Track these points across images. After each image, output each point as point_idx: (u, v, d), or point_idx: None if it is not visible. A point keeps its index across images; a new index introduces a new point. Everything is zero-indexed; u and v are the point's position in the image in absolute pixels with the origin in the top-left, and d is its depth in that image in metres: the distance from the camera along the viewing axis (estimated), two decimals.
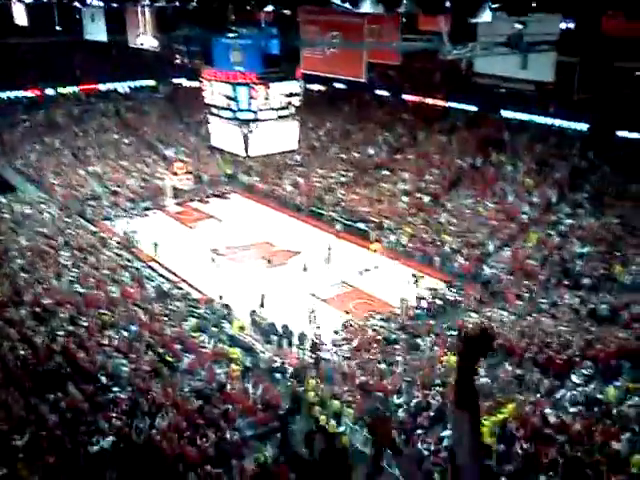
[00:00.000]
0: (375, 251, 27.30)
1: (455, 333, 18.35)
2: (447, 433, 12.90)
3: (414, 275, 24.22)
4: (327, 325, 20.46)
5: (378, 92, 40.10)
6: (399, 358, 17.23)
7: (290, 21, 17.31)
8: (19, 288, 18.58)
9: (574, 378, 14.47)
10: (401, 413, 14.16)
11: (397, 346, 18.33)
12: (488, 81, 19.82)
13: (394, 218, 29.76)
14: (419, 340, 18.51)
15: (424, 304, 21.77)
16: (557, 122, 30.57)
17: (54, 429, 11.57)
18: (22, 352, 14.19)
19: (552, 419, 12.56)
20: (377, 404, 14.65)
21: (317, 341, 19.06)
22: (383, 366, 16.76)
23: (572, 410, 12.92)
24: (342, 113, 42.51)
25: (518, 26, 13.28)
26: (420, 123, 37.87)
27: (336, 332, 20.07)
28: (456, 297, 22.12)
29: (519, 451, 11.80)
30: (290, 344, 19.38)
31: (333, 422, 14.06)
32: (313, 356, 18.10)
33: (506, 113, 32.92)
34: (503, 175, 30.62)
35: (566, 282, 21.52)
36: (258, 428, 13.87)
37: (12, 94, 41.06)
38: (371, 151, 37.47)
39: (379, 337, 19.00)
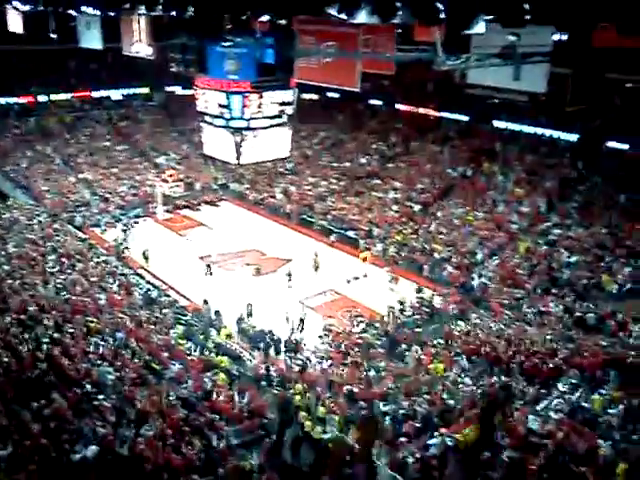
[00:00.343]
0: (365, 259, 27.29)
1: (442, 341, 18.37)
2: (433, 441, 12.86)
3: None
4: (314, 332, 20.55)
5: (371, 102, 40.31)
6: (385, 365, 17.20)
7: (285, 31, 17.36)
8: (5, 294, 18.36)
9: (560, 386, 14.48)
10: (387, 420, 14.09)
11: (383, 353, 18.29)
12: (481, 92, 19.95)
13: (384, 227, 29.78)
14: (406, 348, 18.46)
15: (412, 312, 21.74)
16: (548, 132, 30.83)
17: (37, 437, 11.39)
18: (5, 359, 13.98)
19: (538, 427, 12.53)
20: (362, 411, 14.59)
21: (303, 347, 19.03)
22: (372, 373, 16.72)
23: (557, 418, 12.90)
24: (335, 122, 42.65)
25: (511, 38, 13.36)
26: (413, 133, 38.08)
27: (321, 337, 20.12)
28: (444, 305, 22.09)
29: (505, 459, 11.74)
30: (277, 352, 19.30)
31: (320, 428, 13.97)
32: (299, 363, 18.07)
33: (498, 123, 33.16)
34: (494, 185, 30.75)
35: (554, 291, 21.57)
36: (244, 436, 13.74)
37: (4, 100, 40.82)
38: (363, 160, 37.57)
39: (365, 344, 18.94)
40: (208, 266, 26.43)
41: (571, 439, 11.61)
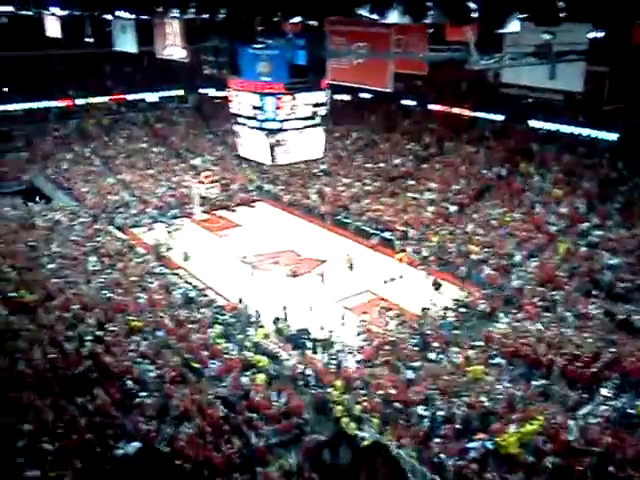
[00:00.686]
0: (401, 260, 27.25)
1: (481, 343, 18.23)
2: (473, 445, 12.83)
3: (436, 283, 24.16)
4: (351, 332, 20.62)
5: (404, 102, 40.16)
6: (421, 366, 17.17)
7: (317, 32, 17.47)
8: (51, 293, 18.94)
9: (603, 391, 14.24)
10: (426, 423, 14.10)
11: (418, 353, 18.25)
12: (515, 91, 19.74)
13: (420, 228, 29.67)
14: (443, 349, 18.37)
15: (449, 314, 21.64)
16: (586, 132, 30.27)
17: (83, 432, 11.76)
18: (53, 356, 14.44)
19: (581, 433, 12.38)
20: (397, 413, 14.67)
21: (339, 347, 19.23)
22: (408, 373, 16.74)
23: (601, 424, 12.71)
24: (368, 123, 42.60)
25: (546, 36, 13.22)
26: (447, 133, 37.79)
27: (358, 335, 20.24)
28: (481, 307, 21.89)
29: (548, 465, 11.66)
30: (314, 351, 19.44)
31: (354, 425, 14.12)
32: (335, 362, 18.25)
33: (534, 123, 32.72)
34: (531, 185, 30.34)
35: (595, 293, 21.18)
36: (282, 436, 13.90)
37: (44, 104, 41.87)
38: (397, 161, 37.46)
39: (400, 343, 18.91)
40: (254, 267, 26.74)
41: (617, 445, 11.45)
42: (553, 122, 31.74)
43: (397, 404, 14.97)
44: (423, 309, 21.73)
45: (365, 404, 14.98)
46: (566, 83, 14.38)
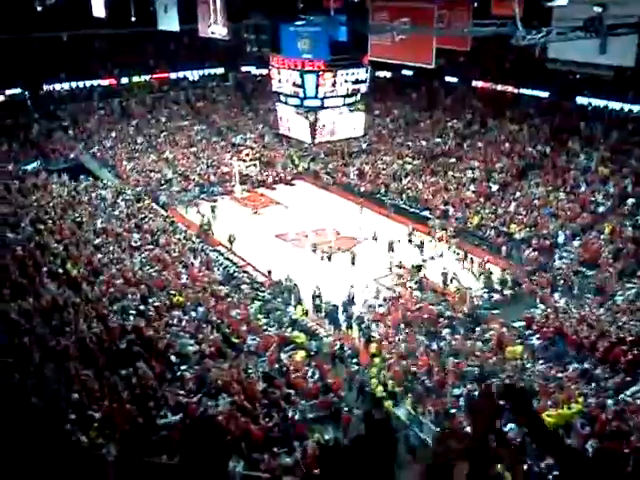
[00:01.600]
0: (440, 239, 27.01)
1: (522, 324, 18.03)
2: (509, 427, 12.76)
3: (480, 269, 23.85)
4: (383, 306, 20.60)
5: (447, 79, 39.46)
6: (455, 345, 17.11)
7: (358, 8, 17.26)
8: (96, 268, 19.42)
9: None
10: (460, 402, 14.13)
11: (454, 333, 18.16)
12: (563, 67, 19.18)
13: (461, 207, 29.29)
14: (481, 329, 18.23)
15: (490, 293, 21.42)
16: (636, 108, 29.28)
17: (125, 403, 12.12)
18: (97, 330, 14.86)
19: (623, 415, 12.21)
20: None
21: (370, 320, 19.36)
22: (442, 349, 16.75)
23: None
24: (410, 100, 42.06)
25: (597, 9, 12.75)
26: (490, 110, 37.04)
27: (387, 306, 20.25)
28: (523, 287, 21.56)
29: (588, 448, 11.52)
30: (351, 327, 19.52)
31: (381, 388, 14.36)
32: (367, 336, 18.35)
33: (581, 99, 31.80)
34: (576, 164, 29.58)
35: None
36: (319, 411, 14.08)
37: (88, 83, 42.57)
38: (438, 139, 36.94)
39: (435, 320, 18.81)
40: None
41: None
42: (601, 98, 30.83)
43: (428, 382, 15.04)
44: (466, 288, 21.55)
45: (394, 377, 15.12)
46: (617, 58, 13.87)
